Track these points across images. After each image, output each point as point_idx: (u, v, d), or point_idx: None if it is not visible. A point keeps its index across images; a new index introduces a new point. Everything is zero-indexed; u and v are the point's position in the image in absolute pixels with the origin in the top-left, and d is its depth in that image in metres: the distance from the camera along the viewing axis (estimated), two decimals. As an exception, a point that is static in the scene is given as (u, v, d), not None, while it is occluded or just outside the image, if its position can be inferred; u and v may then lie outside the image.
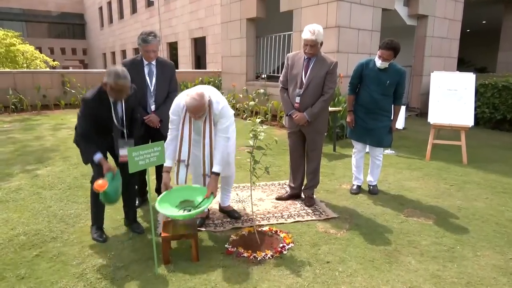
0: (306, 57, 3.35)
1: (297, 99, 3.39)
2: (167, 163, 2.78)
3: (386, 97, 3.68)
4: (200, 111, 2.68)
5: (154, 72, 3.36)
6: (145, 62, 3.34)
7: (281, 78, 3.58)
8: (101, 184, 2.51)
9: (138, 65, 3.32)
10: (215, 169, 2.78)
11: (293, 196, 3.75)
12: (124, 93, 2.67)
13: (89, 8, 34.09)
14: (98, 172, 2.74)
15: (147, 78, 3.35)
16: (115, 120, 2.74)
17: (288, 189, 3.89)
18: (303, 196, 3.75)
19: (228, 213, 3.35)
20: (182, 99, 2.75)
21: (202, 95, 2.66)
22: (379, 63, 3.56)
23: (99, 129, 2.74)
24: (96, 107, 2.67)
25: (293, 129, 3.56)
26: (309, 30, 3.19)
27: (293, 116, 3.42)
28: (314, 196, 3.74)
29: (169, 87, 3.45)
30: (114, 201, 2.72)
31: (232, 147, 3.10)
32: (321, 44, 3.28)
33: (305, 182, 3.75)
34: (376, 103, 3.68)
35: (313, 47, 3.23)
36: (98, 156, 2.69)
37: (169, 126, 2.89)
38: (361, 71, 3.71)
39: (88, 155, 2.72)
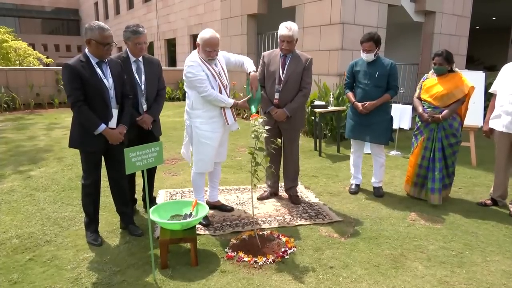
0: (282, 55, 3.47)
1: (277, 95, 3.47)
2: (230, 101, 3.02)
3: (379, 89, 3.71)
4: (218, 43, 2.96)
5: (143, 69, 3.16)
6: (132, 59, 3.11)
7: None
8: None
9: (125, 63, 3.04)
10: (252, 69, 3.12)
11: (273, 193, 3.83)
12: (111, 48, 2.66)
13: (84, 4, 33.40)
14: (89, 171, 2.73)
15: (136, 76, 3.12)
16: (107, 85, 2.69)
17: (266, 188, 3.88)
18: (281, 194, 3.85)
19: (219, 208, 3.36)
20: (193, 56, 2.96)
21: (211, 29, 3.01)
22: (364, 56, 3.71)
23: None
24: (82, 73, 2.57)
25: (269, 125, 3.51)
26: (286, 27, 3.32)
27: (273, 113, 3.44)
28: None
29: (158, 84, 3.28)
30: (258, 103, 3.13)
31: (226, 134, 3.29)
32: (296, 40, 3.41)
33: (282, 182, 3.78)
34: (370, 96, 3.71)
35: (289, 43, 3.36)
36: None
37: (200, 84, 2.90)
38: (351, 69, 3.88)
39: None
